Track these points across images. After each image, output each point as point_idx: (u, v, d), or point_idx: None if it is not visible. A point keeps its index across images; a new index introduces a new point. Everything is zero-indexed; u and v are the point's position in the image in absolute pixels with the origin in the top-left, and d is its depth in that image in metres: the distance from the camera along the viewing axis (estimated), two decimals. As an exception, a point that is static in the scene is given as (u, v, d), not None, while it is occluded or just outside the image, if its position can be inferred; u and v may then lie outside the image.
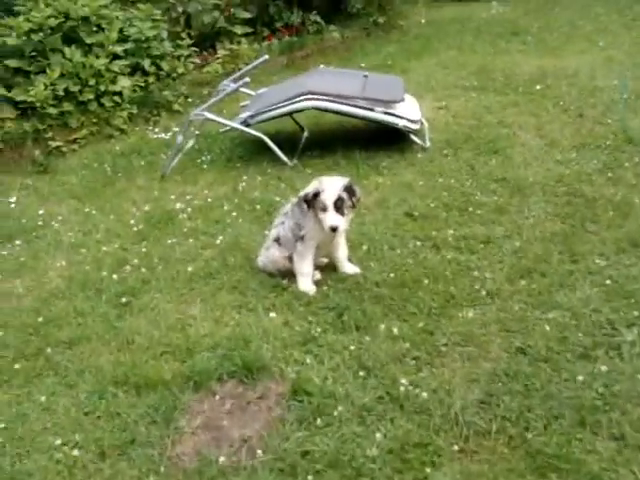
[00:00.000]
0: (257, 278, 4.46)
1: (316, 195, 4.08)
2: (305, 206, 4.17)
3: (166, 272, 4.69)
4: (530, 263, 4.32)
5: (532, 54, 9.65)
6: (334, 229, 4.05)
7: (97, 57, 7.96)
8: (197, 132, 7.48)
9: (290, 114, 6.75)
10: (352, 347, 3.65)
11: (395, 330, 3.74)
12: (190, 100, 8.89)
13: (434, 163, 6.11)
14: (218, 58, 9.62)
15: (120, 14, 8.45)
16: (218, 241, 5.03)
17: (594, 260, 4.28)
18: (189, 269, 4.67)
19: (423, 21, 12.73)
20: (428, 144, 6.48)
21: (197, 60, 9.44)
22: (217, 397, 3.44)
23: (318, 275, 4.43)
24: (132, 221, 5.56)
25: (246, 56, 9.69)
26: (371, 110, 6.34)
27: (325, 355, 3.63)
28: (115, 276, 4.63)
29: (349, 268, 4.46)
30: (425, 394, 3.25)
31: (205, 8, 9.79)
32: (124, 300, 4.34)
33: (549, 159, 5.90)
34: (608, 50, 9.36)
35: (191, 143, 7.33)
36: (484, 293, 4.05)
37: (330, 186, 4.07)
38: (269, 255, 4.43)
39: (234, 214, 5.49)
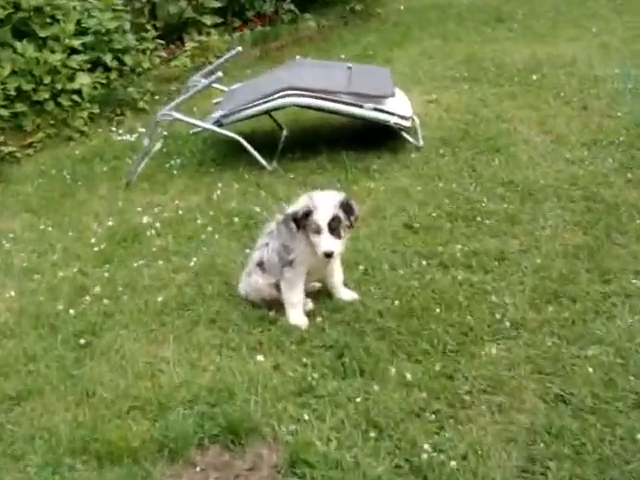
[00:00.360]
0: (239, 309, 3.83)
1: (307, 214, 3.46)
2: (294, 226, 3.54)
3: (132, 303, 4.04)
4: (555, 285, 3.74)
5: (521, 41, 9.08)
6: (329, 255, 3.43)
7: (52, 52, 7.22)
8: (165, 133, 6.78)
9: (268, 112, 6.08)
10: (358, 399, 3.04)
11: (408, 375, 3.14)
12: (157, 97, 8.18)
13: (431, 164, 5.51)
14: (186, 51, 8.89)
15: (77, 4, 7.69)
16: (192, 263, 4.38)
17: (629, 279, 3.73)
18: (159, 299, 4.02)
19: (402, 8, 12.09)
20: (422, 143, 5.88)
21: (164, 54, 8.72)
22: (198, 469, 2.81)
23: (310, 304, 3.82)
24: (93, 239, 4.88)
25: (217, 48, 8.99)
26: (359, 107, 5.71)
27: (326, 409, 3.01)
28: (72, 311, 3.96)
29: (346, 294, 3.85)
30: (453, 462, 2.65)
31: (172, -5, 9.07)
32: (83, 341, 3.68)
33: (558, 158, 5.33)
34: (601, 36, 8.83)
35: (158, 146, 6.63)
36: (507, 324, 3.46)
37: (323, 204, 3.45)
38: (252, 282, 3.79)
39: (209, 229, 4.83)
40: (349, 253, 4.21)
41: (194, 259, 4.42)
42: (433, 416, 2.92)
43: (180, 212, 5.22)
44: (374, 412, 2.96)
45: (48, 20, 7.36)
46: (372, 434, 2.84)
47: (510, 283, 3.82)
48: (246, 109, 5.85)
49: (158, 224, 5.03)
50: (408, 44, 9.61)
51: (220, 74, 5.74)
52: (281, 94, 5.74)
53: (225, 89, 6.61)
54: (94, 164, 6.56)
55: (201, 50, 8.97)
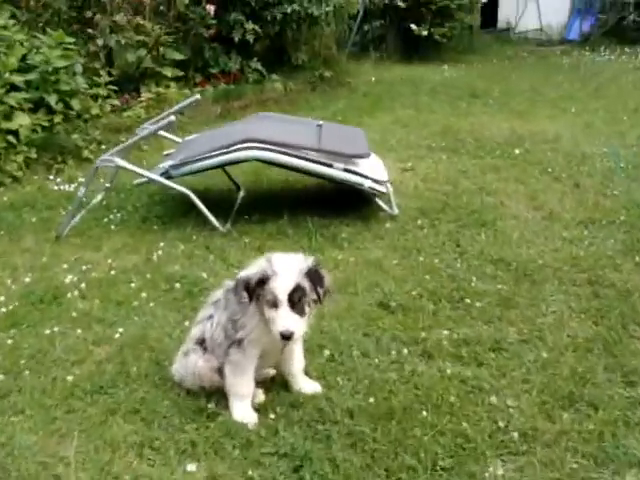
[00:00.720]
0: (169, 397, 3.01)
1: (263, 281, 2.69)
2: (245, 296, 2.76)
3: (36, 380, 3.19)
4: (570, 385, 3.02)
5: (498, 116, 8.64)
6: (287, 337, 2.65)
7: (-12, 86, 6.44)
8: (107, 185, 5.98)
9: (223, 166, 5.37)
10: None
11: (389, 502, 2.33)
12: (104, 147, 7.38)
13: (407, 236, 4.82)
14: (142, 101, 8.20)
15: (24, 38, 6.97)
16: (117, 334, 3.55)
17: (659, 383, 3.00)
18: (70, 377, 3.17)
19: (373, 79, 11.68)
20: (396, 211, 5.19)
21: (117, 102, 7.99)
22: None
23: (261, 396, 3.01)
24: (2, 297, 4.00)
25: (174, 100, 8.29)
26: (328, 166, 5.03)
27: None
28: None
29: (307, 386, 3.06)
30: None
31: (129, 43, 8.42)
32: (-38, 428, 2.79)
33: (553, 236, 4.70)
34: (582, 116, 8.43)
35: (99, 198, 5.83)
36: (515, 434, 2.71)
37: (285, 269, 2.69)
38: (189, 364, 2.98)
39: (143, 294, 4.03)
40: (312, 333, 3.43)
41: (120, 329, 3.59)
42: None
43: (112, 272, 4.40)
44: None
45: (-13, 51, 6.61)
46: None
47: (512, 381, 3.08)
48: (200, 161, 5.12)
49: (84, 285, 4.20)
50: (379, 112, 9.09)
51: (172, 118, 5.01)
52: (241, 146, 5.04)
53: (178, 140, 5.89)
54: (22, 212, 5.71)
55: (157, 102, 8.29)
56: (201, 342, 2.98)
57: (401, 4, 13.97)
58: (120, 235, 5.11)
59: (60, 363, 3.31)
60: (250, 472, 2.52)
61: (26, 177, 6.63)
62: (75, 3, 8.39)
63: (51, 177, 6.67)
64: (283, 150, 5.06)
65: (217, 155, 5.08)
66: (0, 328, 3.70)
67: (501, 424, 2.77)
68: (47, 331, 3.63)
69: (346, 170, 5.05)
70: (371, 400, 2.93)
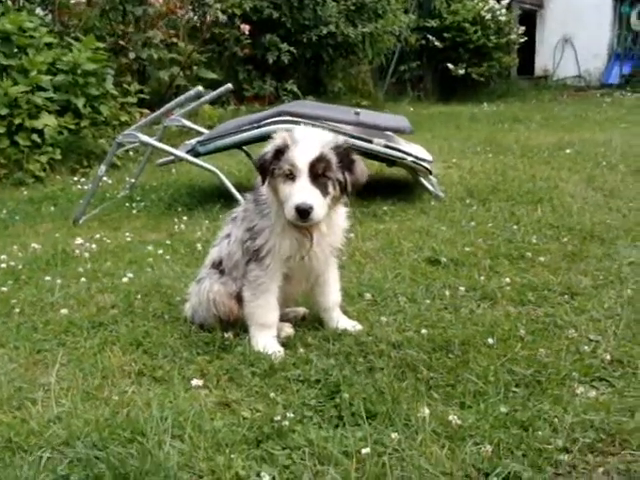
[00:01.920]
0: (179, 330, 2.51)
1: (281, 152, 2.21)
2: (260, 182, 2.28)
3: (27, 319, 2.71)
4: (666, 319, 2.44)
5: (544, 132, 8.17)
6: (304, 212, 2.14)
7: (15, 83, 6.19)
8: (132, 180, 5.67)
9: (253, 142, 4.94)
10: (365, 450, 1.67)
11: (453, 420, 1.78)
12: (132, 154, 7.08)
13: (455, 212, 4.31)
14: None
15: (54, 40, 6.78)
16: (125, 279, 3.09)
17: None
18: (65, 317, 2.69)
19: (411, 109, 11.36)
20: (441, 194, 4.71)
21: (147, 110, 7.71)
22: None
23: (289, 330, 2.51)
24: (7, 264, 3.57)
25: (207, 116, 8.03)
26: (367, 141, 4.58)
27: (305, 467, 1.65)
28: None
29: (344, 322, 2.53)
30: None
31: (162, 60, 8.21)
32: None
33: (619, 208, 4.17)
34: (632, 129, 7.92)
35: (124, 193, 5.50)
36: (607, 357, 2.14)
37: (307, 138, 2.22)
38: (202, 291, 2.47)
39: (160, 252, 3.58)
40: (350, 283, 2.95)
41: (127, 277, 3.13)
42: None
43: (129, 240, 3.97)
44: (394, 474, 1.59)
45: (15, 50, 6.40)
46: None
47: (593, 318, 2.52)
48: (229, 136, 4.74)
49: (95, 247, 3.78)
50: (420, 131, 8.65)
51: (200, 88, 4.65)
52: (272, 120, 4.63)
53: (204, 131, 5.52)
54: (42, 205, 5.35)
55: (189, 116, 7.99)
56: (218, 264, 2.50)
57: (438, 44, 13.80)
58: (142, 219, 4.72)
59: (57, 307, 2.83)
60: (272, 395, 2.00)
61: (49, 178, 6.32)
62: (109, 17, 8.22)
63: (75, 179, 6.33)
64: (318, 124, 4.63)
65: (247, 130, 4.69)
66: (-2, 282, 3.25)
67: (587, 349, 2.21)
68: (48, 283, 3.17)
69: (387, 147, 4.61)
70: (423, 332, 2.40)
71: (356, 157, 2.30)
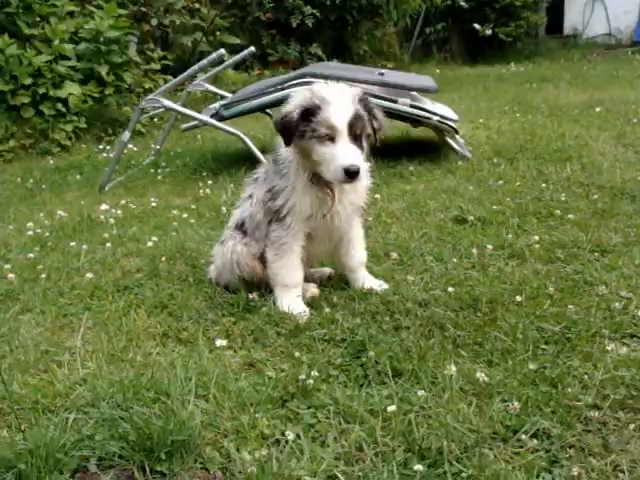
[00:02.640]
0: (204, 292, 2.50)
1: (310, 113, 2.16)
2: (283, 144, 2.25)
3: (53, 285, 2.72)
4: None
5: (573, 91, 7.96)
6: (353, 173, 2.10)
7: (39, 53, 6.18)
8: (157, 147, 5.66)
9: (277, 105, 4.85)
10: (391, 408, 1.65)
11: (481, 377, 1.75)
12: (156, 121, 7.06)
13: (483, 171, 4.23)
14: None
15: (76, 8, 6.74)
16: (150, 243, 3.09)
17: None
18: (91, 281, 2.70)
19: (437, 71, 11.16)
20: (469, 154, 4.63)
21: (171, 77, 7.65)
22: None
23: (314, 290, 2.49)
24: (33, 231, 3.59)
25: (231, 81, 7.97)
26: (392, 101, 4.49)
27: (330, 426, 1.63)
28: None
29: (370, 282, 2.50)
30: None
31: (185, 26, 8.13)
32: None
33: (652, 165, 4.05)
34: (668, 86, 7.69)
35: (149, 159, 5.50)
36: (639, 314, 2.09)
37: (338, 95, 2.18)
38: (225, 252, 2.45)
39: (185, 216, 3.58)
40: (376, 243, 2.92)
41: (153, 241, 3.13)
42: (535, 441, 1.51)
43: (154, 205, 3.97)
44: (420, 431, 1.56)
45: (37, 19, 6.38)
46: (417, 468, 1.45)
47: (624, 275, 2.46)
48: (253, 98, 4.69)
49: (121, 214, 3.78)
50: (445, 92, 8.50)
51: (222, 51, 4.59)
52: (296, 81, 4.57)
53: (228, 95, 5.47)
54: (68, 174, 5.38)
55: (213, 82, 7.94)
56: (240, 226, 2.48)
57: (464, 4, 13.49)
58: (167, 184, 4.72)
59: (83, 272, 2.84)
60: (297, 355, 1.98)
61: (75, 147, 6.35)
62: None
63: (100, 147, 6.35)
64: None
65: (271, 92, 4.63)
66: (23, 249, 3.27)
67: (617, 306, 2.16)
68: (74, 249, 3.18)
69: (412, 107, 4.53)
70: (450, 290, 2.36)
71: (373, 103, 2.28)
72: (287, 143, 2.20)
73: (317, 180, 2.25)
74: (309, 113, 2.14)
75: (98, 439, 1.56)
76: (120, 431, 1.58)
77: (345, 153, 2.11)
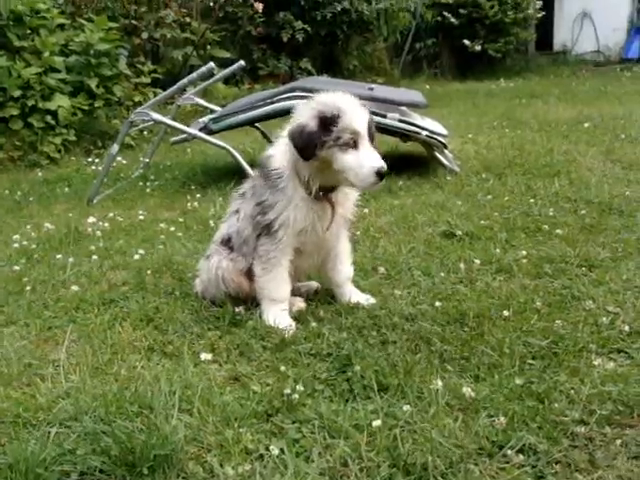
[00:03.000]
0: (189, 306, 2.49)
1: (329, 122, 2.16)
2: (296, 156, 2.23)
3: (38, 297, 2.70)
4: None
5: (562, 106, 8.01)
6: (383, 173, 2.17)
7: (28, 65, 6.17)
8: (146, 160, 5.64)
9: (266, 119, 4.86)
10: (376, 422, 1.63)
11: (467, 392, 1.74)
12: (146, 134, 7.05)
13: (471, 186, 4.24)
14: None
15: (66, 21, 6.74)
16: (137, 257, 3.07)
17: None
18: (76, 294, 2.68)
19: (427, 87, 11.21)
20: (457, 168, 4.65)
21: (160, 91, 7.66)
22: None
23: (301, 304, 2.48)
24: (18, 243, 3.56)
25: (222, 95, 7.98)
26: (381, 116, 4.50)
27: (315, 440, 1.61)
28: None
29: (357, 296, 2.49)
30: None
31: (175, 39, 8.15)
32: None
33: (637, 180, 4.08)
34: (657, 103, 7.76)
35: (138, 172, 5.48)
36: (626, 329, 2.09)
37: (350, 103, 2.25)
38: (211, 267, 2.44)
39: (172, 229, 3.56)
40: (364, 258, 2.92)
41: (141, 255, 3.11)
42: (521, 457, 1.50)
43: (142, 218, 3.95)
44: (406, 447, 1.55)
45: (28, 31, 6.38)
46: (404, 484, 1.44)
47: (611, 290, 2.46)
48: (242, 112, 4.69)
49: (109, 227, 3.77)
50: (434, 108, 8.55)
51: (212, 64, 4.60)
52: (285, 95, 4.58)
53: (216, 108, 5.46)
54: (56, 187, 5.35)
55: (203, 96, 7.94)
56: (227, 241, 2.47)
57: (454, 21, 13.59)
58: (155, 197, 4.70)
59: (68, 285, 2.82)
60: (283, 369, 1.96)
61: (64, 160, 6.32)
62: (121, -2, 8.18)
63: (89, 160, 6.33)
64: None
65: (260, 106, 4.64)
66: (8, 262, 3.24)
67: (605, 320, 2.16)
68: (60, 261, 3.16)
69: (401, 121, 4.54)
70: (437, 304, 2.36)
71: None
72: (309, 157, 2.19)
73: (317, 193, 2.25)
74: (329, 122, 2.15)
75: (80, 453, 1.54)
76: (102, 445, 1.55)
77: (373, 156, 2.17)
